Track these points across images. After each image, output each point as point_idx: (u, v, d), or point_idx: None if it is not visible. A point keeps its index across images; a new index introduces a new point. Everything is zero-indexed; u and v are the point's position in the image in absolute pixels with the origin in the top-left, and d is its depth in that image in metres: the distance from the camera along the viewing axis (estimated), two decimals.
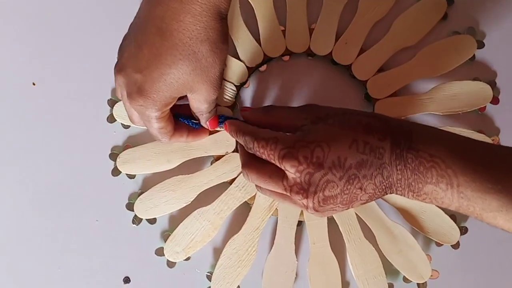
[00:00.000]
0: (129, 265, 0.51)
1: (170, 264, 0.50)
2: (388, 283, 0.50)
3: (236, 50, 0.52)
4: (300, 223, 0.51)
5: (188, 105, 0.45)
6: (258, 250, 0.50)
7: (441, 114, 0.52)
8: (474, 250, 0.52)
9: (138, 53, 0.39)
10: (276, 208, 0.50)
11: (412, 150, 0.37)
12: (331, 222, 0.51)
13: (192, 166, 0.51)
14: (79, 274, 0.50)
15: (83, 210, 0.51)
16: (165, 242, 0.50)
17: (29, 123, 0.51)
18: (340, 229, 0.50)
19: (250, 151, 0.42)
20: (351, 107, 0.52)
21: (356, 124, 0.39)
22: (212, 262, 0.51)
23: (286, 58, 0.53)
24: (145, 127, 0.45)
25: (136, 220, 0.50)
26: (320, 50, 0.52)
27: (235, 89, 0.51)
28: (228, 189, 0.50)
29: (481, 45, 0.53)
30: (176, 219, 0.50)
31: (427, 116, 0.52)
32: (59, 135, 0.51)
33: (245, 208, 0.51)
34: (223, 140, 0.50)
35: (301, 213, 0.50)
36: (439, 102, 0.52)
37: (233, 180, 0.51)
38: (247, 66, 0.52)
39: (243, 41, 0.52)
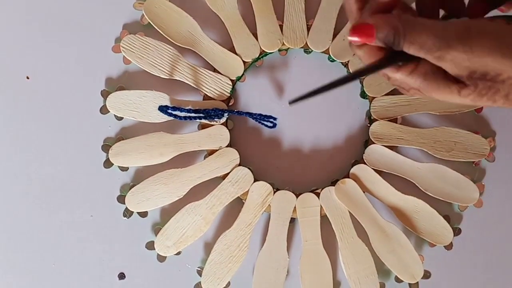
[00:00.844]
0: (120, 259, 0.50)
1: (161, 258, 0.50)
2: (379, 283, 0.50)
3: (233, 44, 0.51)
4: (292, 220, 0.51)
5: None
6: (250, 246, 0.50)
7: (437, 114, 0.51)
8: (467, 251, 0.51)
9: None
10: (269, 204, 0.50)
11: None
12: (324, 220, 0.50)
13: (185, 160, 0.50)
14: (73, 268, 0.50)
15: (75, 202, 0.50)
16: (156, 236, 0.49)
17: (23, 116, 0.51)
18: (333, 227, 0.50)
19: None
20: (347, 104, 0.52)
21: None
22: (203, 257, 0.51)
23: (283, 53, 0.52)
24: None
25: (127, 213, 0.50)
26: (317, 46, 0.51)
27: (230, 83, 0.51)
28: (221, 184, 0.50)
29: None
30: (167, 213, 0.50)
31: (423, 115, 0.52)
32: (53, 126, 0.51)
33: (238, 204, 0.50)
34: (217, 135, 0.50)
35: (294, 210, 0.50)
36: (436, 102, 0.51)
37: (226, 175, 0.50)
38: (243, 61, 0.51)
39: (240, 35, 0.51)
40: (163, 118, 0.50)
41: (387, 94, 0.51)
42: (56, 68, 0.51)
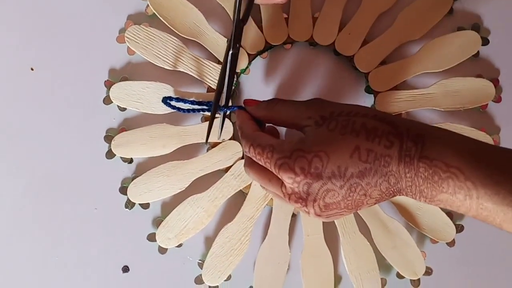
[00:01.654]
0: (122, 251, 0.50)
1: (162, 250, 0.50)
2: (381, 279, 0.50)
3: None
4: (294, 214, 0.50)
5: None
6: (251, 240, 0.49)
7: (442, 110, 0.51)
8: (470, 248, 0.51)
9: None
10: (271, 198, 0.50)
11: (425, 159, 0.34)
12: None
13: (187, 152, 0.50)
14: (76, 261, 0.50)
15: (78, 194, 0.50)
16: (157, 227, 0.49)
17: (27, 107, 0.50)
18: (335, 221, 0.50)
19: (247, 155, 0.41)
20: (351, 99, 0.52)
21: (360, 129, 0.36)
22: (204, 250, 0.50)
23: (288, 46, 0.52)
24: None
25: (129, 205, 0.50)
26: (322, 39, 0.51)
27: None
28: (224, 177, 0.50)
29: (485, 42, 0.52)
30: (169, 205, 0.50)
31: (427, 111, 0.52)
32: (57, 116, 0.50)
33: (240, 197, 0.50)
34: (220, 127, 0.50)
35: None
36: (441, 98, 0.51)
37: (228, 168, 0.50)
38: (248, 53, 0.51)
39: (245, 27, 0.51)
40: (167, 109, 0.49)
41: (392, 89, 0.51)
42: (61, 58, 0.51)
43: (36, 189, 0.50)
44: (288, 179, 0.37)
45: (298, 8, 0.51)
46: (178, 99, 0.48)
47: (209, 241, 0.50)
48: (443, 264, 0.51)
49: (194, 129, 0.50)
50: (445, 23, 0.52)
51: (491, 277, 0.52)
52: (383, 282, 0.50)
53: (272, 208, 0.50)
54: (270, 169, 0.38)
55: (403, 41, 0.52)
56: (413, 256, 0.50)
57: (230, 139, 0.50)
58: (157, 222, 0.50)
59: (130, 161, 0.50)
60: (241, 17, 0.45)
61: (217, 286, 0.50)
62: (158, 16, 0.50)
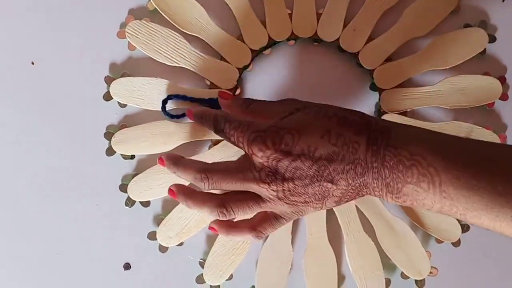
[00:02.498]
0: (123, 249, 0.50)
1: (163, 249, 0.49)
2: (385, 279, 0.49)
3: (241, 32, 0.50)
4: None
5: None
6: None
7: (448, 107, 0.50)
8: (475, 248, 0.51)
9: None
10: None
11: (390, 147, 0.36)
12: (330, 213, 0.49)
13: (189, 149, 0.49)
14: (76, 259, 0.50)
15: (78, 191, 0.49)
16: (158, 226, 0.49)
17: (27, 102, 0.50)
18: (339, 221, 0.49)
19: (218, 134, 0.41)
20: (356, 96, 0.51)
21: (332, 115, 0.38)
22: (205, 249, 0.50)
23: (292, 42, 0.51)
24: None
25: (129, 202, 0.49)
26: (327, 36, 0.50)
27: (237, 72, 0.50)
28: None
29: (492, 39, 0.52)
30: (170, 203, 0.49)
31: (433, 109, 0.51)
32: (56, 112, 0.50)
33: None
34: None
35: None
36: (447, 96, 0.50)
37: None
38: (251, 49, 0.50)
39: (248, 23, 0.50)
40: (168, 106, 0.49)
41: (397, 87, 0.50)
42: (61, 53, 0.50)
43: (35, 186, 0.49)
44: (258, 152, 0.37)
45: (302, 3, 0.50)
46: (177, 96, 0.47)
47: (210, 240, 0.50)
48: (448, 264, 0.50)
49: (196, 126, 0.49)
50: (451, 20, 0.52)
51: (496, 278, 0.51)
52: (388, 282, 0.50)
53: None
54: (241, 144, 0.39)
55: (409, 38, 0.51)
56: (418, 256, 0.49)
57: None
58: (158, 220, 0.49)
59: (132, 157, 0.50)
60: None
61: (219, 285, 0.49)
62: (160, 11, 0.49)
